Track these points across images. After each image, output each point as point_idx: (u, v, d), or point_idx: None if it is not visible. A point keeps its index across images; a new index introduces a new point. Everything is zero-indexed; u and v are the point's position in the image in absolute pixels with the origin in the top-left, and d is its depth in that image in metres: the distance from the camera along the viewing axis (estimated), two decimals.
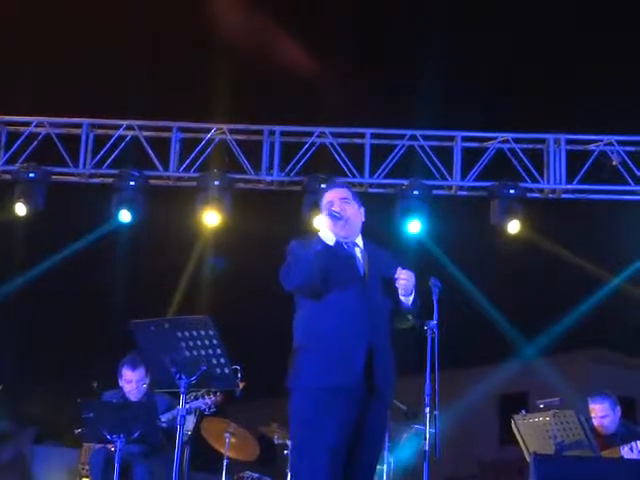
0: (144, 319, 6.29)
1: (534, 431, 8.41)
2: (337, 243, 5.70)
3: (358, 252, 5.81)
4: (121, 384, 8.68)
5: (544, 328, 16.89)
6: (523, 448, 8.52)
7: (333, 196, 5.90)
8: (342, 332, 5.57)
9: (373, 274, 5.73)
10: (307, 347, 5.67)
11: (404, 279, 5.62)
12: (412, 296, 5.72)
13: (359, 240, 5.88)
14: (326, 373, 5.53)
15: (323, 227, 5.69)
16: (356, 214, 5.89)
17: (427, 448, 6.29)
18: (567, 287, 15.29)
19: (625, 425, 8.97)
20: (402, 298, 5.70)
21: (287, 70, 14.03)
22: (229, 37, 13.46)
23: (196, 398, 8.09)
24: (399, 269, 5.67)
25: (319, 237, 5.65)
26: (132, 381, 8.58)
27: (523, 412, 8.59)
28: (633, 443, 8.36)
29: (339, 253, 5.70)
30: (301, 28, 14.07)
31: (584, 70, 14.60)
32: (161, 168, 12.28)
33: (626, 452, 8.38)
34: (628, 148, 12.17)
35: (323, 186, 11.95)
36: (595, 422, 8.80)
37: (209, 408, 8.14)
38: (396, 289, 5.67)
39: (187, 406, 7.53)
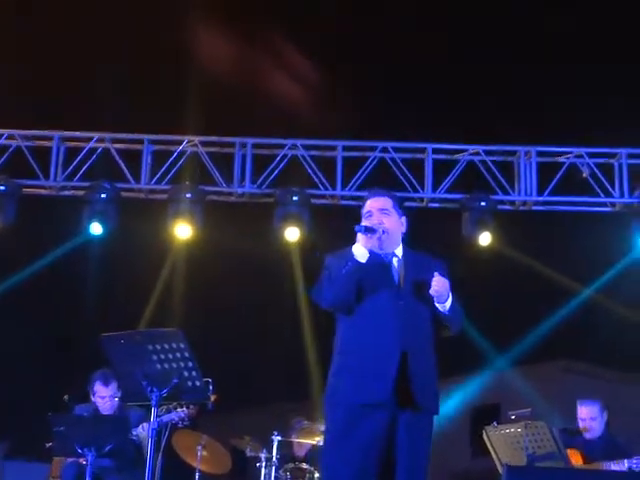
0: (115, 332, 6.27)
1: (506, 442, 8.44)
2: (372, 253, 5.59)
3: (395, 261, 5.71)
4: (94, 400, 8.63)
5: (515, 339, 16.95)
6: (495, 459, 8.54)
7: (372, 206, 5.78)
8: (374, 345, 5.50)
9: (410, 282, 5.63)
10: (339, 362, 5.63)
11: (435, 286, 5.51)
12: (448, 303, 5.60)
13: (399, 250, 5.76)
14: (355, 390, 5.47)
15: (357, 242, 5.58)
16: (396, 225, 5.77)
17: None
18: (538, 298, 15.36)
19: (609, 433, 9.03)
20: (437, 305, 5.59)
21: (258, 83, 14.05)
22: (201, 49, 13.45)
23: (168, 411, 8.05)
24: (435, 275, 5.55)
25: (352, 253, 5.55)
26: (105, 397, 8.54)
27: (495, 423, 8.63)
28: (618, 463, 8.37)
29: (373, 264, 5.59)
30: (274, 41, 14.08)
31: (554, 83, 14.68)
32: (133, 181, 12.25)
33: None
34: (598, 160, 12.26)
35: (295, 198, 12.00)
36: (582, 424, 8.88)
37: (182, 421, 8.10)
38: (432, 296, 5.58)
39: (160, 419, 7.51)
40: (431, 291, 5.53)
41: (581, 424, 8.92)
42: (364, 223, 5.68)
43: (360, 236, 5.58)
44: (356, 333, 5.58)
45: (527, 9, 14.04)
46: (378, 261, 5.65)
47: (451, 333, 5.80)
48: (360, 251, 5.55)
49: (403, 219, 5.86)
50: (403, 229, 5.85)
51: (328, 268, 5.66)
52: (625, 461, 8.34)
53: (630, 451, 8.62)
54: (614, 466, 8.38)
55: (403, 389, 5.47)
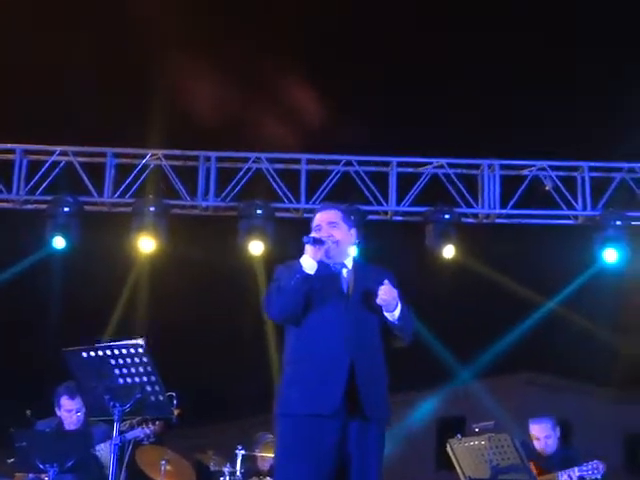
0: (77, 346, 6.23)
1: (470, 455, 8.45)
2: (321, 264, 5.61)
3: (344, 272, 5.73)
4: (59, 414, 8.53)
5: (479, 352, 17.01)
6: (459, 472, 8.55)
7: (321, 219, 5.83)
8: (321, 355, 5.51)
9: (359, 292, 5.65)
10: (287, 373, 5.64)
11: (382, 295, 5.51)
12: (397, 312, 5.60)
13: (348, 261, 5.79)
14: (304, 400, 5.47)
15: (305, 254, 5.59)
16: (345, 237, 5.79)
17: None
18: (501, 311, 15.41)
19: (562, 447, 9.07)
20: (386, 315, 5.59)
21: (222, 96, 14.03)
22: (164, 63, 13.43)
23: (132, 427, 7.99)
24: (384, 284, 5.55)
25: (300, 265, 5.56)
26: (72, 410, 8.44)
27: (459, 436, 8.63)
28: (570, 471, 8.43)
29: (322, 274, 5.61)
30: (238, 55, 14.08)
31: (517, 96, 14.77)
32: (96, 194, 12.20)
33: (564, 479, 8.47)
34: (560, 173, 12.34)
35: (259, 212, 11.99)
36: (537, 444, 8.91)
37: (147, 438, 8.04)
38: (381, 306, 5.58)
39: (124, 436, 7.46)
40: (378, 300, 5.53)
41: (536, 444, 8.93)
42: (313, 235, 5.70)
43: (308, 247, 5.60)
44: (305, 343, 5.59)
45: (493, 28, 14.15)
46: (327, 272, 5.68)
47: (402, 343, 5.80)
48: (308, 263, 5.57)
49: (353, 231, 5.89)
50: (353, 241, 5.88)
51: (277, 279, 5.68)
52: (576, 469, 8.40)
53: (581, 459, 8.66)
54: (565, 474, 8.43)
55: (352, 399, 5.45)
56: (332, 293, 5.63)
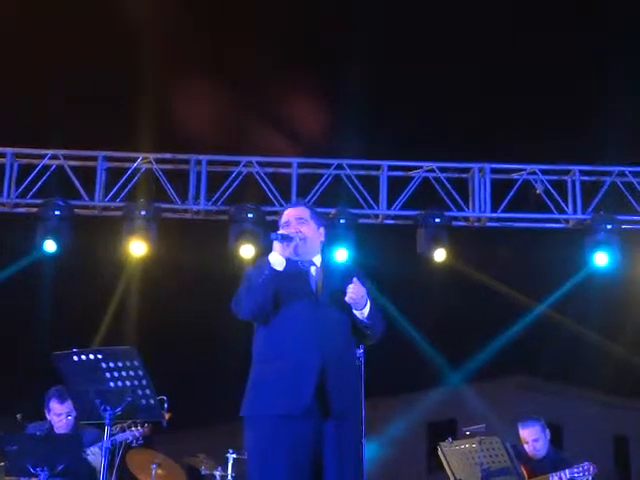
0: (68, 350, 6.23)
1: (460, 458, 8.46)
2: (290, 262, 5.59)
3: (313, 270, 5.70)
4: (49, 418, 8.52)
5: (470, 355, 17.03)
6: (450, 475, 8.56)
7: (289, 215, 5.81)
8: (290, 354, 5.45)
9: (328, 290, 5.62)
10: (257, 373, 5.58)
11: (351, 293, 5.48)
12: (366, 310, 5.58)
13: (317, 258, 5.77)
14: (273, 400, 5.41)
15: (274, 250, 5.57)
16: (313, 234, 5.77)
17: None
18: (492, 314, 15.44)
19: (553, 450, 9.08)
20: (356, 312, 5.57)
21: (213, 100, 14.04)
22: (154, 66, 13.43)
23: (122, 430, 7.98)
24: (354, 282, 5.52)
25: (268, 262, 5.54)
26: (62, 414, 8.43)
27: (449, 439, 8.64)
28: (562, 473, 8.45)
29: (291, 272, 5.58)
30: (228, 58, 14.09)
31: (508, 101, 14.80)
32: (87, 198, 12.18)
33: None
34: (551, 177, 12.36)
35: (250, 215, 11.99)
36: (527, 447, 8.89)
37: (137, 440, 8.03)
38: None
39: (114, 438, 7.45)
40: (347, 298, 5.51)
41: (526, 447, 8.92)
42: (281, 232, 5.69)
43: (276, 244, 5.57)
44: (273, 343, 5.55)
45: (490, 29, 14.18)
46: (296, 269, 5.65)
47: (371, 340, 5.79)
48: (277, 259, 5.54)
49: (322, 229, 5.87)
50: (322, 239, 5.86)
51: (247, 279, 5.64)
52: (567, 471, 8.41)
53: (572, 462, 8.67)
54: (556, 476, 8.45)
55: (323, 399, 5.40)
56: (301, 291, 5.60)
